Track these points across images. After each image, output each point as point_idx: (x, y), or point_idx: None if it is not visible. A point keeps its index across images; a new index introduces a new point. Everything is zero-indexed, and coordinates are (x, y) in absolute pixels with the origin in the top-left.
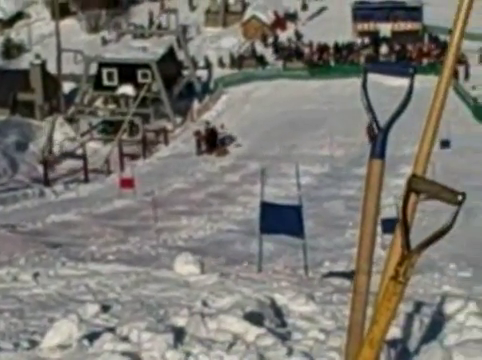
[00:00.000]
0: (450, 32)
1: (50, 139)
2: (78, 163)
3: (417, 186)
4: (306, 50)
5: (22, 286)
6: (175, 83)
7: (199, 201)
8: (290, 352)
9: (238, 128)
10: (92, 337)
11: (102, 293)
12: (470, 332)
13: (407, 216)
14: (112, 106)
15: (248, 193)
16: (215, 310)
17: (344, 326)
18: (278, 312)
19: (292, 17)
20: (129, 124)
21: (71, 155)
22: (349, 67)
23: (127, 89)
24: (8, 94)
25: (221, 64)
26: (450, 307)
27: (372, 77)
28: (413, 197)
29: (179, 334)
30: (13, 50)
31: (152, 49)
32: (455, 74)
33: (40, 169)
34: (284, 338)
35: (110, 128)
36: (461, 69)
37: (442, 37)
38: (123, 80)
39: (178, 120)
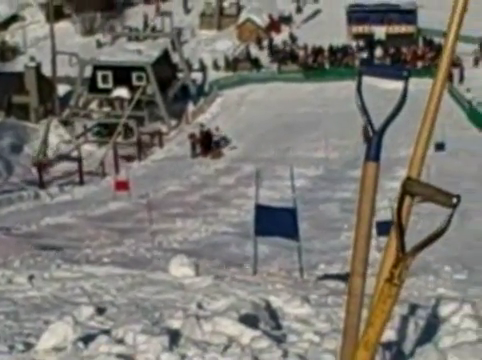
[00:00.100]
0: (445, 35)
1: (45, 142)
2: (73, 165)
3: (412, 189)
4: (301, 53)
5: (17, 288)
6: (170, 86)
7: (194, 203)
8: (285, 354)
9: (233, 131)
10: (87, 339)
11: (97, 295)
12: (465, 334)
13: (402, 219)
14: (107, 109)
15: (243, 195)
16: (210, 312)
17: (339, 328)
18: (273, 314)
19: (287, 20)
20: (124, 127)
21: (66, 157)
22: (344, 70)
23: (122, 92)
24: (3, 97)
25: (216, 67)
26: (445, 309)
27: (367, 80)
28: (408, 200)
29: (174, 336)
30: (8, 53)
31: (147, 52)
32: (450, 77)
33: (34, 171)
34: (279, 340)
35: (105, 131)
36: (456, 72)
37: (436, 40)
38: (118, 83)
39: (173, 123)
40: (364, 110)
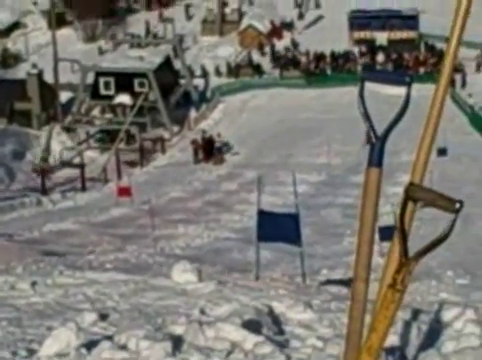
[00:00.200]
0: (447, 40)
1: (47, 148)
2: (75, 172)
3: (415, 194)
4: (303, 59)
5: (20, 295)
6: (172, 92)
7: (196, 209)
8: None
9: (235, 137)
10: (90, 345)
11: (100, 301)
12: (468, 339)
13: (405, 224)
14: (109, 115)
15: (245, 201)
16: (213, 318)
17: (342, 334)
18: (276, 320)
19: (288, 26)
20: (126, 133)
21: (69, 164)
22: (346, 76)
23: (124, 98)
24: (5, 103)
25: (218, 73)
26: (448, 314)
27: (370, 86)
28: (411, 205)
29: (177, 342)
30: (10, 60)
31: (149, 58)
32: (452, 82)
33: (35, 178)
34: (282, 346)
35: (107, 137)
36: (458, 77)
37: (438, 45)
38: (120, 89)
39: (175, 129)
40: (367, 116)
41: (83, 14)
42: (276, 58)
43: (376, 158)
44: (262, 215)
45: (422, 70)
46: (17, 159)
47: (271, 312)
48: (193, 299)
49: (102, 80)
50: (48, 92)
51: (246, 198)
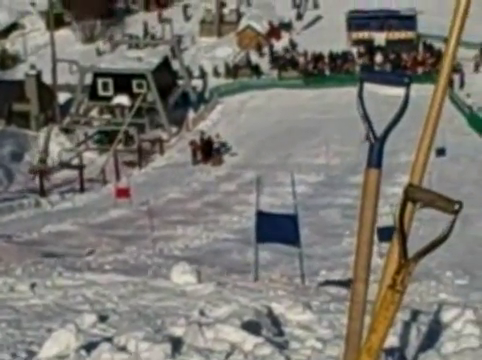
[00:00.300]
0: (445, 40)
1: (45, 150)
2: (74, 173)
3: (414, 195)
4: (301, 59)
5: (19, 296)
6: (170, 93)
7: (195, 210)
8: None
9: (233, 137)
10: (90, 347)
11: (99, 303)
12: (467, 340)
13: (404, 225)
14: (107, 116)
15: (244, 202)
16: (212, 319)
17: (342, 335)
18: (275, 321)
19: (287, 27)
20: (124, 134)
21: (67, 165)
22: (344, 76)
23: (122, 99)
24: (3, 105)
25: (216, 74)
26: (447, 315)
27: (368, 86)
28: (410, 206)
29: (177, 344)
30: (8, 61)
31: (147, 59)
32: (450, 83)
33: (34, 179)
34: (282, 347)
35: (106, 138)
36: (456, 77)
37: (437, 45)
38: (118, 90)
39: (173, 130)
40: (366, 117)
41: (81, 15)
42: (274, 59)
43: (375, 159)
44: (261, 216)
45: (420, 70)
46: (15, 160)
47: (270, 313)
48: (192, 300)
49: (100, 81)
50: (46, 93)
51: (245, 199)
